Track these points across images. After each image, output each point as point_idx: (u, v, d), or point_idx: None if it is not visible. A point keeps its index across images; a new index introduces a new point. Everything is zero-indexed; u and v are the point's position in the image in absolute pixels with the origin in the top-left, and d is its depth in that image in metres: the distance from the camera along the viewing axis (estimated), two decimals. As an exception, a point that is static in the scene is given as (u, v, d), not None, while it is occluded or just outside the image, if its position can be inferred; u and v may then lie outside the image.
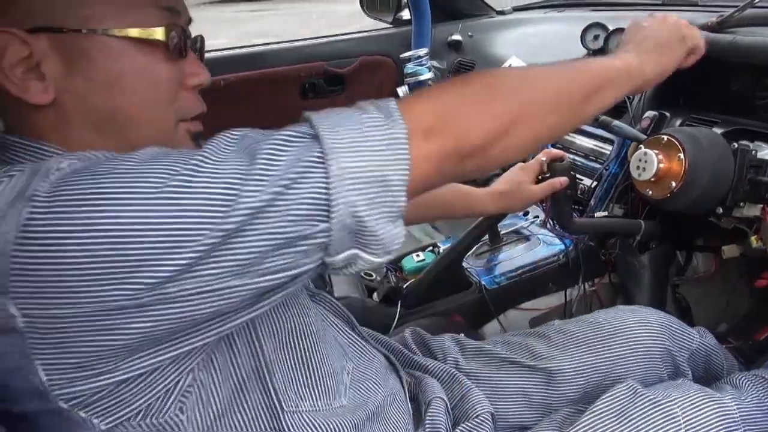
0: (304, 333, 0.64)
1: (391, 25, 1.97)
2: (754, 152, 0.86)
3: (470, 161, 0.53)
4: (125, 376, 0.48)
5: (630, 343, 0.87)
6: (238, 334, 0.57)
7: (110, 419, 0.49)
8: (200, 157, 0.46)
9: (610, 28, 1.21)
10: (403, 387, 0.79)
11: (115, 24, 0.53)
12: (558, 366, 0.86)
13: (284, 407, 0.60)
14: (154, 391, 0.51)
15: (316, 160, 0.46)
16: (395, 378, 0.79)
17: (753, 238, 0.94)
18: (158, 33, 0.55)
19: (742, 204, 0.89)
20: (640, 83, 0.69)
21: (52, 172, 0.45)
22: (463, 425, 0.76)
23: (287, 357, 0.62)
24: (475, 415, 0.77)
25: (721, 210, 0.91)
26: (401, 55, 1.79)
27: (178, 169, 0.45)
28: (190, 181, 0.44)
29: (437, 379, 0.83)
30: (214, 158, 0.46)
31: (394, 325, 1.13)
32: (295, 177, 0.45)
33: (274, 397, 0.60)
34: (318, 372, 0.64)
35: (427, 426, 0.75)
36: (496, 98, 0.55)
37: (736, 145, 0.87)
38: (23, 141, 0.54)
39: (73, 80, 0.53)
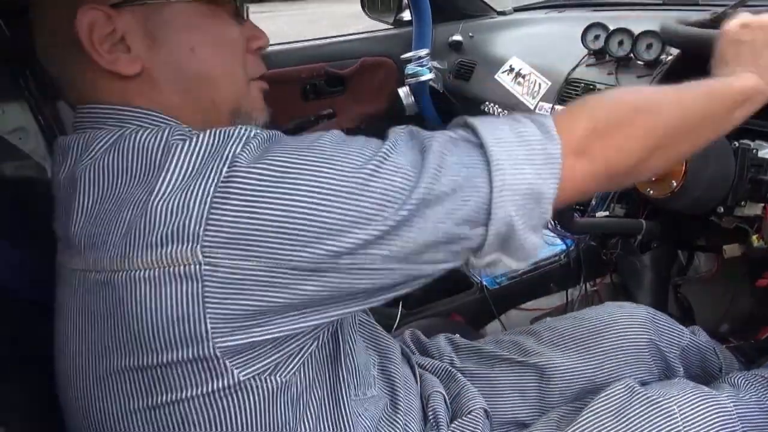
0: (350, 332, 0.68)
1: (391, 26, 1.98)
2: (755, 151, 0.86)
3: (612, 181, 0.59)
4: (279, 334, 0.51)
5: (617, 338, 0.88)
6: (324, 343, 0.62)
7: (248, 371, 0.52)
8: (386, 149, 0.50)
9: (611, 28, 1.22)
10: (416, 377, 0.81)
11: None
12: (549, 361, 0.87)
13: (345, 393, 0.64)
14: (286, 351, 0.54)
15: (483, 169, 0.51)
16: (409, 369, 0.81)
17: (754, 238, 0.94)
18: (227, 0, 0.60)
19: (743, 203, 0.89)
20: (765, 99, 0.67)
21: (250, 139, 0.49)
22: (459, 420, 0.78)
23: (349, 347, 0.66)
24: (469, 411, 0.79)
25: (722, 209, 0.91)
26: (402, 56, 1.80)
27: (368, 156, 0.49)
28: (379, 168, 0.49)
29: (435, 376, 0.85)
30: (395, 151, 0.50)
31: (395, 325, 1.14)
32: (462, 182, 0.50)
33: (342, 380, 0.64)
34: (358, 363, 0.68)
35: (429, 418, 0.77)
36: (647, 123, 0.57)
37: (736, 144, 0.87)
38: (122, 107, 0.57)
39: (158, 49, 0.57)
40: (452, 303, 1.21)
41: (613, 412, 0.76)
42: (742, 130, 0.96)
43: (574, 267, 1.23)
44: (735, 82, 0.65)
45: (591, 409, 0.77)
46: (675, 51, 1.10)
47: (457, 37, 1.81)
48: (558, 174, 0.52)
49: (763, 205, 0.89)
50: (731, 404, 0.78)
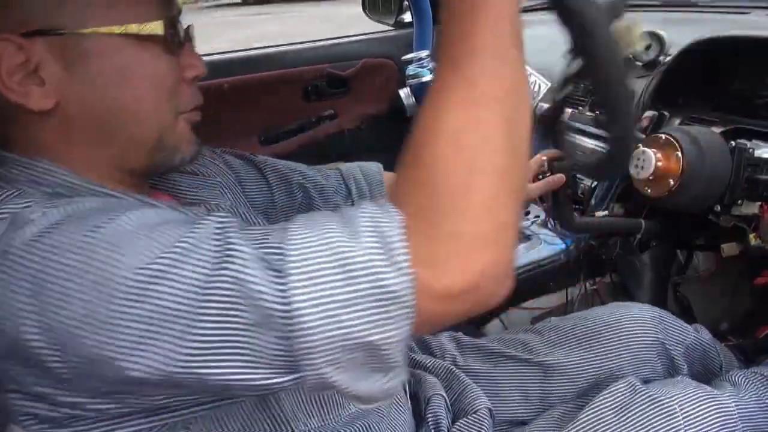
0: None
1: (392, 28, 1.98)
2: (751, 150, 0.87)
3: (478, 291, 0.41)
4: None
5: (623, 337, 0.89)
6: None
7: None
8: (179, 247, 0.41)
9: (610, 28, 1.22)
10: (404, 386, 0.80)
11: (112, 21, 0.52)
12: (553, 360, 0.88)
13: (294, 429, 0.60)
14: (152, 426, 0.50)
15: (281, 314, 0.39)
16: None
17: (752, 236, 0.95)
18: (157, 27, 0.54)
19: (740, 202, 0.90)
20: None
21: (28, 224, 0.43)
22: (462, 420, 0.78)
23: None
24: (473, 411, 0.79)
25: (719, 208, 0.92)
26: (403, 57, 1.80)
27: (151, 256, 0.41)
28: (156, 284, 0.40)
29: (436, 376, 0.85)
30: (188, 254, 0.41)
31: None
32: (257, 322, 0.39)
33: (284, 421, 0.59)
34: None
35: (429, 422, 0.77)
36: (486, 184, 0.41)
37: (733, 143, 0.88)
38: (18, 158, 0.53)
39: (74, 83, 0.52)
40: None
41: (615, 409, 0.76)
42: (739, 129, 0.97)
43: (574, 266, 1.24)
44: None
45: (593, 406, 0.77)
46: (674, 52, 1.11)
47: (458, 38, 1.82)
48: (403, 315, 0.39)
49: (760, 203, 0.90)
50: (733, 404, 0.79)
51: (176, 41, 0.57)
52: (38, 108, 0.51)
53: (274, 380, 0.41)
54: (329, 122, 1.80)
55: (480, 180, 0.40)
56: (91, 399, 0.45)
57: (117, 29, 0.52)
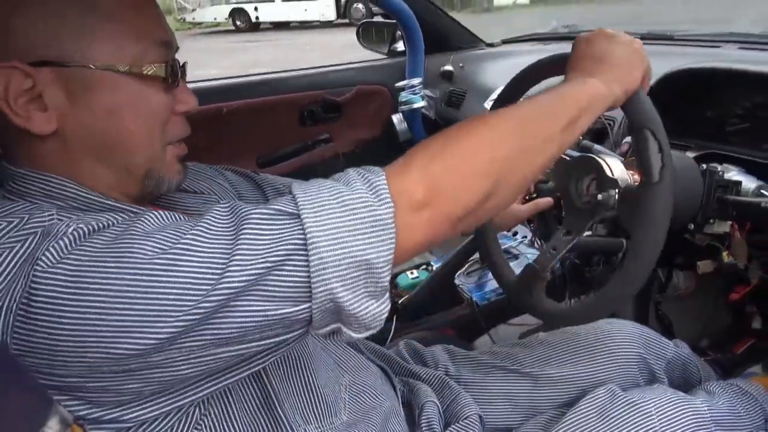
0: (306, 359, 0.68)
1: (386, 56, 2.06)
2: (721, 173, 0.93)
3: (461, 223, 0.54)
4: (127, 424, 0.51)
5: (607, 352, 0.93)
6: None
7: None
8: (191, 235, 0.48)
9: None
10: (397, 394, 0.84)
11: (117, 60, 0.56)
12: (541, 371, 0.91)
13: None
14: (164, 426, 0.54)
15: (298, 245, 0.47)
16: (390, 387, 0.84)
17: (725, 254, 1.00)
18: (159, 69, 0.59)
19: (712, 221, 0.95)
20: (611, 102, 0.67)
21: (62, 238, 0.47)
22: (454, 426, 0.81)
23: (292, 385, 0.66)
24: (464, 417, 0.82)
25: (692, 226, 0.97)
26: (396, 84, 1.87)
27: (169, 245, 0.47)
28: (179, 258, 0.46)
29: (429, 385, 0.88)
30: (203, 236, 0.48)
31: (389, 338, 1.18)
32: (277, 261, 0.47)
33: (285, 424, 0.63)
34: (320, 393, 0.68)
35: (423, 427, 0.80)
36: (485, 157, 0.54)
37: (704, 166, 0.94)
38: (29, 173, 0.56)
39: (75, 111, 0.55)
40: (444, 317, 1.26)
41: (597, 411, 0.80)
42: (711, 154, 1.04)
43: (560, 284, 1.28)
44: (578, 90, 0.64)
45: (575, 410, 0.82)
46: (652, 82, 1.18)
47: (449, 67, 1.89)
48: (391, 239, 0.49)
49: (730, 223, 0.96)
50: (705, 408, 0.83)
51: (173, 80, 0.61)
52: (39, 131, 0.55)
53: (289, 309, 0.48)
54: (324, 146, 1.85)
55: (475, 180, 0.54)
56: (118, 380, 0.48)
57: (122, 67, 0.56)
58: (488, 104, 1.61)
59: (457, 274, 1.33)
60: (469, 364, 0.95)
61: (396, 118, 1.88)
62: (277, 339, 0.51)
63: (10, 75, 0.53)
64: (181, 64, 0.64)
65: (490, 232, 0.98)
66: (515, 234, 1.46)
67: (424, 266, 1.42)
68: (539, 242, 1.20)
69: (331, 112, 1.87)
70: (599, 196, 0.77)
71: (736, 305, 1.20)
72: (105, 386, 0.48)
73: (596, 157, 0.81)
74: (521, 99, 0.89)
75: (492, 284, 1.32)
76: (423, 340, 1.05)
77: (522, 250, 1.40)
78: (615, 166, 0.79)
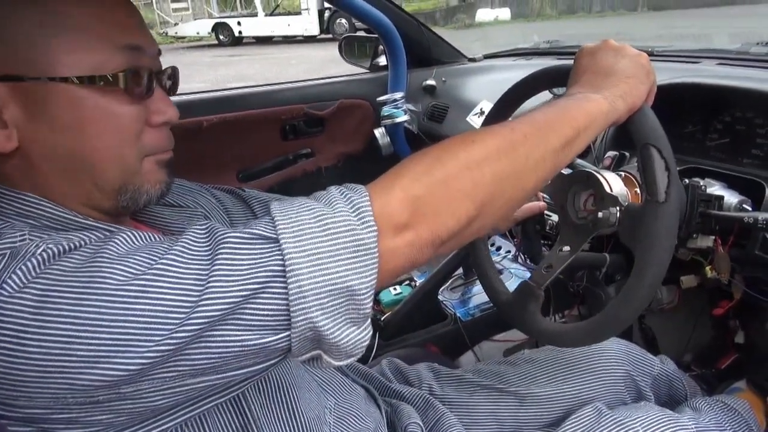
0: (287, 384, 0.65)
1: (368, 71, 2.06)
2: (704, 187, 0.93)
3: (445, 247, 0.52)
4: None
5: (593, 370, 0.92)
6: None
7: None
8: (167, 259, 0.45)
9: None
10: (382, 415, 0.81)
11: (75, 71, 0.52)
12: (527, 391, 0.90)
13: None
14: None
15: (276, 272, 0.45)
16: (375, 407, 0.82)
17: (708, 268, 0.99)
18: (118, 78, 0.54)
19: (695, 236, 0.95)
20: (614, 119, 0.64)
21: (29, 259, 0.44)
22: None
23: (273, 412, 0.63)
24: None
25: (676, 241, 0.97)
26: (378, 99, 1.87)
27: (141, 270, 0.44)
28: (152, 285, 0.44)
29: (413, 406, 0.87)
30: (179, 260, 0.45)
31: (372, 356, 1.16)
32: (255, 288, 0.45)
33: None
34: (303, 417, 0.65)
35: None
36: (472, 177, 0.51)
37: (687, 181, 0.93)
38: (5, 191, 0.54)
39: (36, 127, 0.52)
40: (428, 334, 1.24)
41: (584, 430, 0.79)
42: (692, 168, 1.04)
43: (544, 299, 1.27)
44: (578, 106, 0.61)
45: (562, 429, 0.81)
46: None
47: (431, 82, 1.89)
48: (374, 264, 0.47)
49: (713, 237, 0.95)
50: (692, 425, 0.82)
51: (142, 89, 0.56)
52: (0, 149, 0.52)
53: (267, 339, 0.46)
54: (306, 160, 1.84)
55: (460, 202, 0.51)
56: (85, 411, 0.46)
57: (77, 78, 0.52)
58: (471, 118, 1.61)
59: (441, 289, 1.32)
60: (454, 383, 0.94)
61: (378, 132, 1.88)
62: (255, 368, 0.49)
63: None
64: (161, 69, 0.61)
65: (482, 246, 0.96)
66: (498, 249, 1.45)
67: (407, 282, 1.40)
68: (523, 257, 1.19)
69: (313, 126, 1.86)
70: (600, 213, 0.75)
71: (720, 320, 1.20)
72: (72, 418, 0.45)
73: (594, 173, 0.79)
74: (517, 110, 0.87)
75: (476, 300, 1.31)
76: (406, 357, 1.03)
77: (506, 264, 1.40)
78: (614, 183, 0.78)
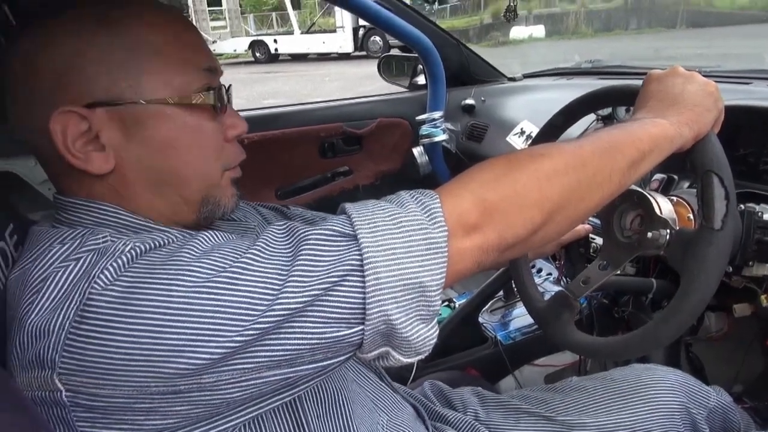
0: (343, 398, 0.66)
1: (407, 89, 2.06)
2: (760, 214, 0.90)
3: (510, 252, 0.53)
4: None
5: (648, 402, 0.88)
6: (282, 404, 0.56)
7: None
8: (250, 254, 0.48)
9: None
10: None
11: (166, 92, 0.56)
12: (577, 420, 0.87)
13: None
14: None
15: (355, 266, 0.47)
16: (424, 428, 0.81)
17: (763, 297, 0.96)
18: (207, 97, 0.59)
19: (751, 263, 0.92)
20: (679, 145, 0.65)
21: (119, 257, 0.47)
22: None
23: (328, 423, 0.63)
24: None
25: (730, 269, 0.93)
26: (417, 117, 1.87)
27: (226, 264, 0.47)
28: (237, 278, 0.46)
29: (458, 431, 0.85)
30: (261, 256, 0.48)
31: (411, 377, 1.15)
32: (334, 281, 0.47)
33: None
34: (356, 431, 0.65)
35: None
36: (541, 188, 0.53)
37: (742, 207, 0.90)
38: (81, 201, 0.57)
39: (130, 147, 0.56)
40: (468, 356, 1.22)
41: None
42: (749, 194, 1.01)
43: (587, 324, 1.25)
44: (644, 130, 0.62)
45: None
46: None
47: (470, 101, 1.89)
48: (443, 262, 0.49)
49: (770, 265, 0.92)
50: None
51: (220, 107, 0.61)
52: (98, 171, 0.56)
53: (342, 332, 0.48)
54: (344, 178, 1.85)
55: (528, 211, 0.53)
56: (165, 401, 0.47)
57: (171, 99, 0.57)
58: (511, 138, 1.59)
59: (481, 311, 1.30)
60: (500, 409, 0.91)
61: (417, 151, 1.88)
62: (324, 363, 0.50)
63: (66, 120, 0.54)
64: (226, 87, 0.64)
65: (523, 258, 0.96)
66: (539, 270, 1.43)
67: (446, 303, 1.39)
68: (566, 280, 1.17)
69: (351, 145, 1.88)
70: (649, 234, 0.74)
71: (773, 350, 1.15)
72: (152, 408, 0.47)
73: (645, 193, 0.79)
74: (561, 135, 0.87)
75: (517, 323, 1.29)
76: (448, 380, 1.02)
77: (547, 287, 1.37)
78: (664, 205, 0.77)
